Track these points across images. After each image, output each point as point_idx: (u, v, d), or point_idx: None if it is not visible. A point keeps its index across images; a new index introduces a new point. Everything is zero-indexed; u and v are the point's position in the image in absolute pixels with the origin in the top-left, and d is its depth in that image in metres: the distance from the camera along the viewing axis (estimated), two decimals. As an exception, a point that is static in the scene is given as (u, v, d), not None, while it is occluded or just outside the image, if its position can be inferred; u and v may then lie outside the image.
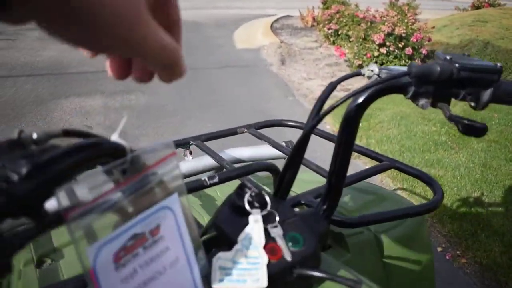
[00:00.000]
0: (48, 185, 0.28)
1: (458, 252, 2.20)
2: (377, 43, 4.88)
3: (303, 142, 0.51)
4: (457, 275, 2.06)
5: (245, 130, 1.08)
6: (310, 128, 0.50)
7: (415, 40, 4.89)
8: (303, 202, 0.75)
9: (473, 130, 0.52)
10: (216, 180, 0.61)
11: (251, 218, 0.45)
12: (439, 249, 2.22)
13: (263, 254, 0.44)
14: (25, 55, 5.90)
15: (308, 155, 0.62)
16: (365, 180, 0.89)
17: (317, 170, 0.87)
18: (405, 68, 0.53)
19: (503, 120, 3.83)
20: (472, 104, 0.55)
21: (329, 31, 6.58)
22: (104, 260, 0.33)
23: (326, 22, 6.69)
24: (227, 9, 11.64)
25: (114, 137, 0.36)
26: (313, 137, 1.03)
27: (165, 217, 0.38)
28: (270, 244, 0.45)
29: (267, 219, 0.47)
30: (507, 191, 2.71)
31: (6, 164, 0.28)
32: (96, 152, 0.33)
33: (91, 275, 0.32)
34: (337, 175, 0.55)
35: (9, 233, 0.27)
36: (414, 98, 0.53)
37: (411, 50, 4.88)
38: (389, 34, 4.86)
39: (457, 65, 0.50)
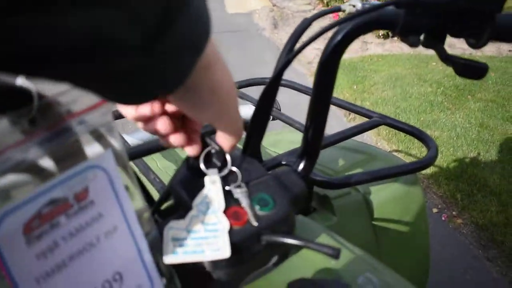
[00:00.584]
0: None
1: (454, 212, 2.16)
2: (371, 2, 4.72)
3: (272, 87, 0.44)
4: (453, 235, 2.03)
5: None
6: (280, 70, 0.42)
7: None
8: (284, 163, 0.69)
9: (472, 70, 0.45)
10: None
11: (207, 179, 0.39)
12: (434, 210, 2.19)
13: (223, 219, 0.37)
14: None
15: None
16: (355, 139, 0.82)
17: (301, 128, 0.80)
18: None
19: (500, 79, 3.74)
20: (471, 41, 0.47)
21: (323, -7, 6.38)
22: (10, 233, 0.26)
23: (319, -17, 6.48)
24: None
25: (21, 80, 0.29)
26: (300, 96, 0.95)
27: (95, 178, 0.31)
28: (232, 208, 0.38)
29: (231, 179, 0.40)
30: (503, 150, 2.66)
31: None
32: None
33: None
34: (314, 129, 0.48)
35: None
36: (403, 34, 0.45)
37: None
38: (384, -7, 4.70)
39: None
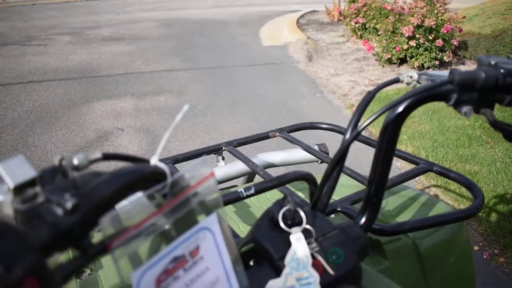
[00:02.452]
0: (92, 216, 0.28)
1: (496, 251, 2.13)
2: (406, 35, 4.76)
3: (342, 154, 0.50)
4: (495, 274, 1.99)
5: (277, 134, 1.08)
6: (350, 141, 0.49)
7: (445, 31, 4.75)
8: (339, 209, 0.74)
9: (520, 137, 0.50)
10: (252, 191, 0.60)
11: (292, 237, 0.45)
12: (476, 248, 2.16)
13: (314, 273, 0.43)
14: (56, 60, 6.06)
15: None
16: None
17: (352, 174, 0.86)
18: (446, 74, 0.51)
19: (542, 111, 3.68)
20: (516, 108, 0.52)
21: (356, 25, 6.48)
22: (147, 285, 0.33)
23: (353, 16, 6.59)
24: (251, 7, 11.64)
25: (154, 160, 0.36)
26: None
27: (204, 238, 0.38)
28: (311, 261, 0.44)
29: (305, 235, 0.46)
30: (547, 186, 2.61)
31: (50, 197, 0.28)
32: (138, 178, 0.33)
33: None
34: (376, 185, 0.54)
35: (56, 265, 0.27)
36: (457, 106, 0.50)
37: (441, 42, 4.75)
38: (418, 26, 4.74)
39: (502, 70, 0.48)
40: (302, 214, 0.47)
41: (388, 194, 0.92)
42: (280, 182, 0.61)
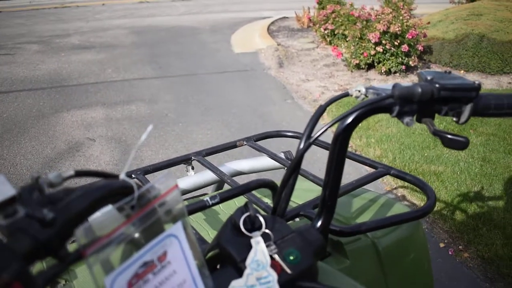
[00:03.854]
0: (67, 228, 0.32)
1: (460, 247, 2.23)
2: (373, 41, 4.90)
3: (297, 162, 0.55)
4: (460, 269, 2.09)
5: (244, 143, 1.12)
6: (304, 150, 0.54)
7: (410, 37, 4.92)
8: (302, 213, 0.79)
9: (456, 143, 0.56)
10: (217, 199, 0.65)
11: (252, 241, 0.49)
12: (441, 244, 2.26)
13: (272, 272, 0.47)
14: (24, 69, 5.96)
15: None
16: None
17: (314, 180, 0.91)
18: (389, 88, 0.57)
19: (501, 112, 3.85)
20: (455, 119, 0.59)
21: (326, 32, 6.62)
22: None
23: (322, 23, 6.72)
24: (223, 13, 11.69)
25: (122, 176, 0.40)
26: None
27: (171, 244, 0.42)
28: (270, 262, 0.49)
29: (265, 238, 0.51)
30: (506, 184, 2.74)
31: (30, 212, 0.31)
32: (108, 193, 0.37)
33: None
34: (331, 189, 0.59)
35: (36, 273, 0.30)
36: (399, 117, 0.56)
37: (407, 47, 4.91)
38: (384, 32, 4.89)
39: (437, 85, 0.54)
40: (261, 219, 0.52)
41: (349, 197, 0.98)
42: (244, 190, 0.65)
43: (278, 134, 1.16)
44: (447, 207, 2.54)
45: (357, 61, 5.18)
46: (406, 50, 4.92)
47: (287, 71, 5.67)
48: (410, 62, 5.02)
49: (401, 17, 5.08)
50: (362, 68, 5.32)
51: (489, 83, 5.09)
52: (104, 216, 0.36)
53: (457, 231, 2.33)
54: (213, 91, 4.81)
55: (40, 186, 0.36)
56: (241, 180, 0.93)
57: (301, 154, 0.54)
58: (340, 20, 6.34)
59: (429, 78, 0.56)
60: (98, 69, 5.87)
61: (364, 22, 5.30)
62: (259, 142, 1.14)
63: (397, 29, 4.84)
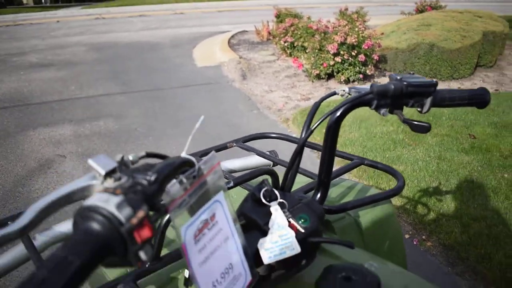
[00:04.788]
0: (163, 187, 0.44)
1: (423, 237, 2.43)
2: (331, 52, 5.17)
3: (301, 147, 0.69)
4: (425, 257, 2.29)
5: (234, 144, 1.25)
6: (307, 137, 0.68)
7: (366, 47, 5.22)
8: (296, 197, 0.93)
9: (421, 128, 0.72)
10: (232, 184, 0.78)
11: (272, 208, 0.62)
12: (406, 236, 2.45)
13: (290, 230, 0.61)
14: (-17, 89, 5.83)
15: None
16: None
17: (303, 172, 1.05)
18: (368, 88, 0.72)
19: (453, 115, 4.18)
20: (418, 109, 0.75)
21: (285, 44, 6.87)
22: (189, 238, 0.49)
23: (282, 36, 6.97)
24: (181, 28, 11.79)
25: (183, 155, 0.53)
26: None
27: (217, 208, 0.55)
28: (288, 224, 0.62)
29: (280, 207, 0.64)
30: (461, 178, 3.00)
31: (135, 175, 0.43)
32: (181, 163, 0.49)
33: (183, 248, 0.48)
34: (326, 171, 0.73)
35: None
36: (377, 109, 0.72)
37: (364, 57, 5.20)
38: (342, 44, 5.17)
39: (405, 83, 0.70)
40: (276, 192, 0.65)
41: (331, 186, 1.13)
42: (252, 176, 0.78)
43: (263, 136, 1.30)
44: (409, 202, 2.75)
45: (318, 72, 5.43)
46: (363, 60, 5.21)
47: (250, 83, 5.84)
48: (367, 71, 5.32)
49: (356, 29, 5.38)
50: (323, 78, 5.58)
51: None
52: (173, 185, 0.48)
53: (420, 223, 2.54)
54: (181, 105, 4.90)
55: (125, 163, 0.48)
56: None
57: (305, 139, 0.68)
58: (299, 33, 6.61)
59: (398, 78, 0.71)
60: (60, 86, 5.83)
61: (322, 34, 5.57)
62: (247, 143, 1.27)
63: (354, 40, 5.12)
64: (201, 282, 0.51)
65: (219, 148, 1.24)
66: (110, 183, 0.44)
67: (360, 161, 1.09)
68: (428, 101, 0.73)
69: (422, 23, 6.42)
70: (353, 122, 4.00)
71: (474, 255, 2.24)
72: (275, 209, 0.63)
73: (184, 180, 0.50)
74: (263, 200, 0.64)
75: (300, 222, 0.64)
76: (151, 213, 0.42)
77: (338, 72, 5.37)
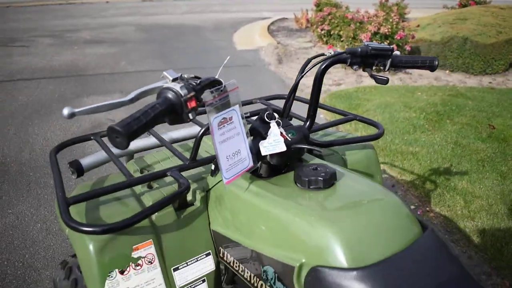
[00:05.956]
0: (203, 89, 0.79)
1: (427, 208, 2.70)
2: (364, 41, 5.39)
3: (296, 84, 1.02)
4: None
5: (258, 101, 1.59)
6: (301, 77, 1.00)
7: (399, 37, 5.41)
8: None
9: (382, 80, 1.03)
10: (248, 114, 1.12)
11: (271, 124, 0.96)
12: (412, 206, 2.73)
13: (280, 138, 0.94)
14: (41, 60, 6.40)
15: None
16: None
17: (301, 99, 1.38)
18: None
19: (477, 106, 4.35)
20: (381, 68, 1.06)
21: (322, 32, 7.11)
22: (215, 124, 0.84)
23: (319, 24, 7.22)
24: (224, 13, 12.16)
25: (217, 76, 0.87)
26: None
27: (233, 113, 0.89)
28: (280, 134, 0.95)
29: (277, 124, 0.97)
30: (472, 162, 3.22)
31: (189, 81, 0.78)
32: (214, 80, 0.83)
33: (212, 129, 0.83)
34: (314, 105, 1.06)
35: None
36: (351, 65, 1.03)
37: (396, 47, 5.40)
38: (375, 33, 5.38)
39: (370, 47, 1.01)
40: (275, 114, 0.99)
41: (324, 134, 1.45)
42: (259, 113, 1.12)
43: (280, 97, 1.63)
44: (419, 178, 3.02)
45: (351, 59, 5.67)
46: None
47: (285, 67, 6.14)
48: (399, 61, 5.51)
49: (390, 20, 5.57)
50: (355, 66, 5.80)
51: (472, 82, 5.58)
52: (207, 93, 0.82)
53: (426, 197, 2.80)
54: (219, 83, 5.27)
55: (182, 77, 0.82)
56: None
57: (298, 80, 1.01)
58: (336, 22, 6.83)
59: (366, 43, 1.02)
60: (112, 61, 6.34)
61: (358, 24, 5.78)
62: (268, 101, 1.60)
63: (387, 30, 5.32)
64: (220, 152, 0.85)
65: (245, 103, 1.58)
66: (174, 84, 0.79)
67: (353, 116, 1.40)
68: (388, 62, 1.04)
69: (458, 17, 6.50)
70: (378, 107, 4.25)
71: (471, 227, 2.50)
72: (273, 124, 0.96)
73: (214, 91, 0.85)
74: (266, 118, 0.97)
75: (289, 135, 0.97)
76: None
77: (370, 60, 5.58)
